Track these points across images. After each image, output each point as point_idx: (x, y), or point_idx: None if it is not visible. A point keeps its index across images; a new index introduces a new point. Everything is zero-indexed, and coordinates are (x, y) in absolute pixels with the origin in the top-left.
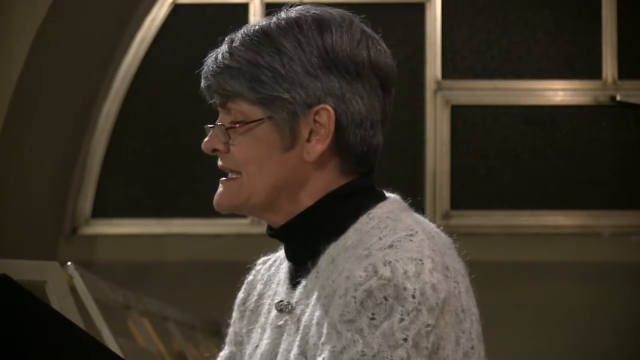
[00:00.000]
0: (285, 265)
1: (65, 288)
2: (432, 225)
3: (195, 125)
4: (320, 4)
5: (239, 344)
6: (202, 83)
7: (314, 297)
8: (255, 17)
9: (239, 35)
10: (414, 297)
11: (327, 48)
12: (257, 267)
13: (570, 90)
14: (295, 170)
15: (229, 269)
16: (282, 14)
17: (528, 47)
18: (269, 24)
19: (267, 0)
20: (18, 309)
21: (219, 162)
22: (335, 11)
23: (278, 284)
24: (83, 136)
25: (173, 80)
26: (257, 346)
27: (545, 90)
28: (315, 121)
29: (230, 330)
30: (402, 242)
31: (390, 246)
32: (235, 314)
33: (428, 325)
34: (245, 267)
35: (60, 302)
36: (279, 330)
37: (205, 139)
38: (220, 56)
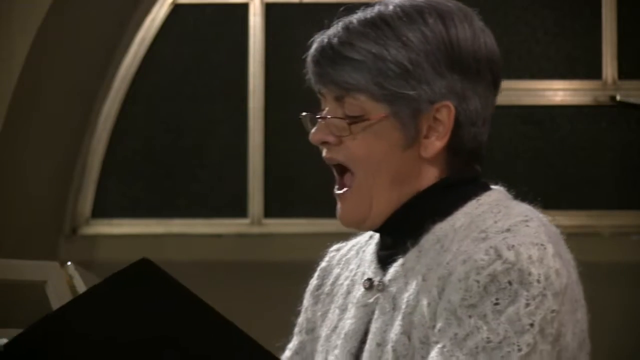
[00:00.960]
0: (371, 247)
1: (65, 288)
2: (542, 215)
3: (195, 125)
4: (319, 3)
5: (311, 330)
6: (314, 70)
7: (418, 276)
8: (255, 17)
9: (354, 22)
10: (538, 281)
11: (452, 43)
12: (331, 254)
13: (570, 90)
14: (410, 166)
15: (229, 269)
16: (401, 5)
17: (528, 47)
18: (388, 13)
19: (267, 0)
20: (158, 292)
21: (326, 154)
22: (452, 3)
23: (359, 265)
24: (83, 136)
25: (173, 80)
26: (335, 327)
27: (545, 90)
28: (435, 118)
29: (301, 318)
30: (519, 226)
31: (508, 230)
32: (307, 301)
33: (553, 311)
34: (245, 267)
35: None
36: (366, 309)
37: (313, 131)
38: (337, 44)
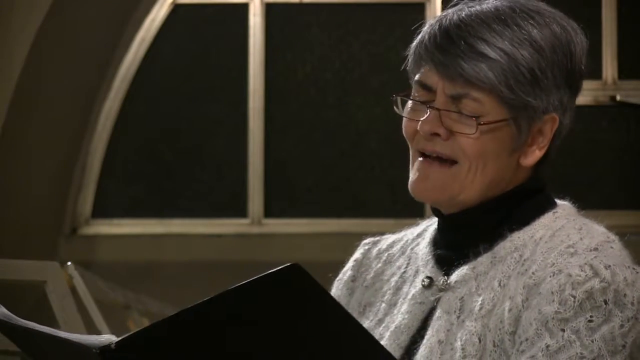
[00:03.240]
0: (422, 246)
1: (65, 288)
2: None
3: (195, 125)
4: (319, 3)
5: None
6: (439, 59)
7: (493, 281)
8: (255, 17)
9: (481, 15)
10: (632, 304)
11: (572, 59)
12: (366, 247)
13: None
14: (508, 171)
15: (229, 269)
16: (530, 5)
17: None
18: (515, 13)
19: (267, 0)
20: (306, 299)
21: (429, 146)
22: (562, 14)
23: (409, 263)
24: (83, 136)
25: (173, 80)
26: (381, 320)
27: None
28: (539, 129)
29: None
30: (605, 246)
31: (596, 249)
32: (339, 291)
33: None
34: (245, 267)
35: (60, 302)
36: (422, 306)
37: (424, 120)
38: (468, 37)
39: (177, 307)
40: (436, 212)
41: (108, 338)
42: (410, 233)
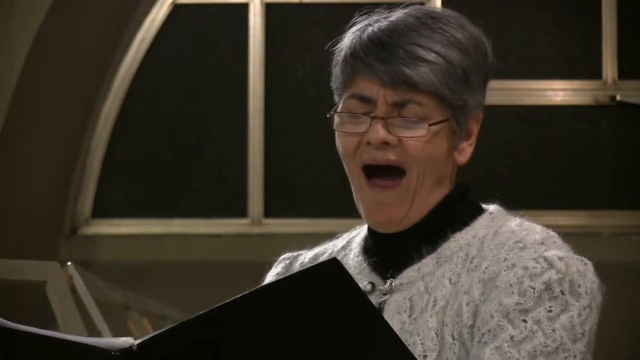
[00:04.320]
0: (351, 257)
1: (65, 288)
2: None
3: (195, 125)
4: (319, 3)
5: None
6: (381, 69)
7: (443, 280)
8: (255, 17)
9: (407, 22)
10: (586, 293)
11: (486, 58)
12: (287, 261)
13: (570, 90)
14: (449, 170)
15: (229, 269)
16: (439, 13)
17: (528, 47)
18: (434, 18)
19: (267, 1)
20: (343, 295)
21: (380, 155)
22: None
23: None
24: (83, 136)
25: (173, 80)
26: None
27: (545, 90)
28: (468, 127)
29: None
30: (549, 240)
31: (542, 243)
32: None
33: (596, 324)
34: (245, 267)
35: (60, 302)
36: None
37: (371, 129)
38: (405, 44)
39: (177, 307)
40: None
41: (125, 340)
42: (332, 245)
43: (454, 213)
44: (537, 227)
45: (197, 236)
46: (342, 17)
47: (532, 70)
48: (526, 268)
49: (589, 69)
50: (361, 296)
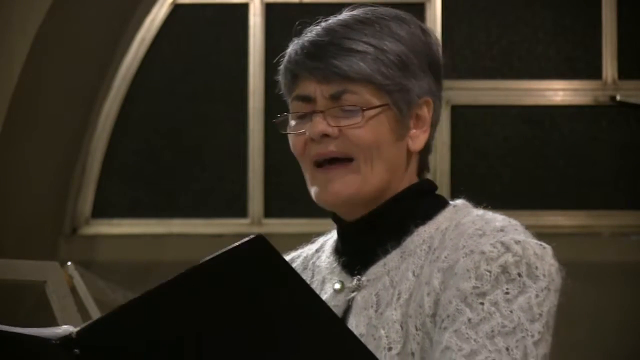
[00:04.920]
0: (323, 258)
1: (65, 288)
2: None
3: (195, 125)
4: (319, 3)
5: None
6: (313, 66)
7: (407, 273)
8: (255, 17)
9: (341, 22)
10: (544, 276)
11: (430, 46)
12: None
13: (570, 90)
14: (401, 159)
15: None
16: (374, 10)
17: (528, 47)
18: (372, 14)
19: (267, 1)
20: (272, 272)
21: (323, 149)
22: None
23: (313, 275)
24: (83, 136)
25: (173, 80)
26: None
27: (545, 90)
28: (417, 114)
29: None
30: (510, 227)
31: (502, 230)
32: None
33: (554, 306)
34: None
35: (60, 302)
36: (336, 309)
37: (311, 124)
38: (335, 39)
39: None
40: (338, 221)
41: (66, 329)
42: (307, 249)
43: (417, 207)
44: (499, 217)
45: (197, 236)
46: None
47: (532, 70)
48: (483, 253)
49: (589, 69)
50: (290, 272)
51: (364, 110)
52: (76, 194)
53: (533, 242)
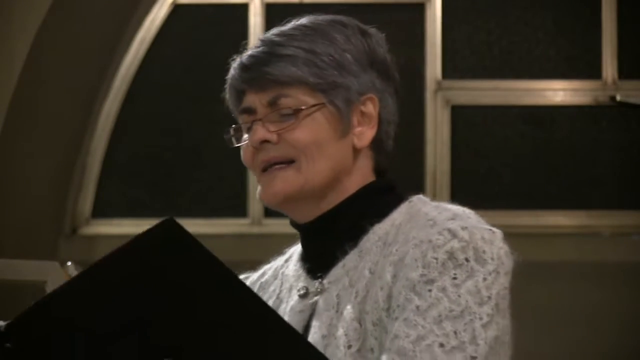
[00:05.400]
0: (291, 267)
1: None
2: None
3: (195, 125)
4: (321, 4)
5: None
6: (246, 77)
7: (364, 271)
8: (255, 17)
9: (274, 34)
10: (492, 259)
11: (369, 46)
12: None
13: (570, 90)
14: (347, 157)
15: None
16: (315, 17)
17: (528, 47)
18: (308, 23)
19: (267, 1)
20: (186, 255)
21: (265, 156)
22: (366, 26)
23: (282, 284)
24: (83, 136)
25: (173, 80)
26: None
27: (545, 90)
28: (361, 111)
29: None
30: (462, 215)
31: (452, 218)
32: None
33: (505, 288)
34: (245, 267)
35: None
36: (302, 314)
37: (253, 132)
38: (267, 49)
39: None
40: (296, 225)
41: (0, 324)
42: (279, 260)
43: (372, 206)
44: (453, 207)
45: (197, 236)
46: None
47: (532, 70)
48: (430, 241)
49: (589, 69)
50: (206, 254)
51: (297, 112)
52: (76, 194)
53: (482, 227)
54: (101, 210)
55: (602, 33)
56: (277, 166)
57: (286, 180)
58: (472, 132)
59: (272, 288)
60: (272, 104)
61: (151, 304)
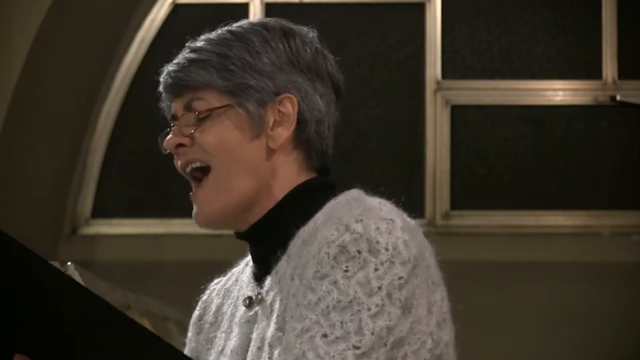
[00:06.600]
0: (247, 271)
1: None
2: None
3: None
4: (319, 3)
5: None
6: (165, 87)
7: (288, 277)
8: (255, 17)
9: (200, 39)
10: (386, 249)
11: (291, 48)
12: (212, 287)
13: (570, 90)
14: (262, 157)
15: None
16: (242, 22)
17: (528, 47)
18: (233, 27)
19: (267, 0)
20: (15, 260)
21: (183, 159)
22: (297, 26)
23: (240, 289)
24: (83, 136)
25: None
26: (222, 348)
27: (545, 90)
28: (279, 111)
29: (186, 349)
30: (373, 210)
31: (360, 214)
32: (190, 332)
33: (401, 278)
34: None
35: None
36: (248, 324)
37: (168, 137)
38: (182, 57)
39: (178, 307)
40: (236, 234)
41: None
42: (242, 263)
43: (298, 208)
44: (368, 201)
45: (197, 236)
46: (342, 17)
47: (532, 70)
48: (325, 237)
49: (589, 69)
50: (30, 256)
51: (204, 114)
52: (76, 194)
53: (379, 218)
54: (101, 210)
55: (602, 33)
56: (198, 184)
57: (208, 200)
58: (472, 132)
59: (233, 294)
60: (187, 108)
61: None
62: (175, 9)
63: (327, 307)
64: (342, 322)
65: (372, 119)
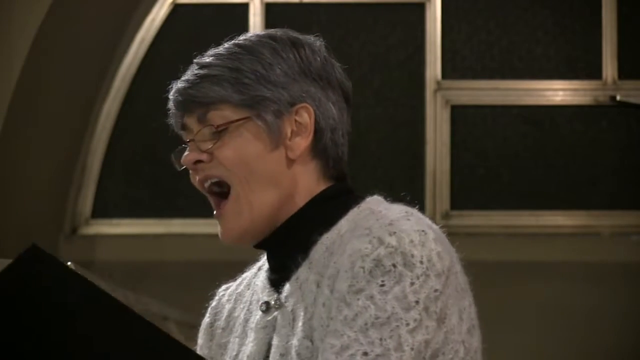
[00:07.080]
0: (261, 277)
1: None
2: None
3: None
4: (319, 3)
5: None
6: (176, 103)
7: (312, 285)
8: (255, 17)
9: (207, 55)
10: (421, 262)
11: (301, 58)
12: (220, 293)
13: (570, 90)
14: (282, 168)
15: (229, 269)
16: (249, 35)
17: (528, 47)
18: (240, 41)
19: (267, 0)
20: (55, 280)
21: (202, 175)
22: (303, 35)
23: (253, 294)
24: (83, 136)
25: (173, 80)
26: (237, 354)
27: (545, 90)
28: (296, 121)
29: None
30: (401, 220)
31: (390, 224)
32: (201, 339)
33: (436, 290)
34: (245, 267)
35: None
36: (265, 330)
37: (185, 154)
38: (191, 73)
39: (178, 307)
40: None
41: None
42: (254, 268)
43: (319, 216)
44: (396, 210)
45: (197, 236)
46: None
47: (532, 70)
48: (359, 251)
49: (589, 69)
50: (70, 274)
51: (221, 129)
52: (76, 194)
53: (412, 230)
54: (101, 210)
55: (602, 33)
56: (221, 204)
57: (234, 220)
58: (472, 132)
59: (245, 298)
60: (202, 121)
61: (26, 332)
62: (175, 9)
63: (366, 323)
64: (381, 339)
65: (372, 119)
